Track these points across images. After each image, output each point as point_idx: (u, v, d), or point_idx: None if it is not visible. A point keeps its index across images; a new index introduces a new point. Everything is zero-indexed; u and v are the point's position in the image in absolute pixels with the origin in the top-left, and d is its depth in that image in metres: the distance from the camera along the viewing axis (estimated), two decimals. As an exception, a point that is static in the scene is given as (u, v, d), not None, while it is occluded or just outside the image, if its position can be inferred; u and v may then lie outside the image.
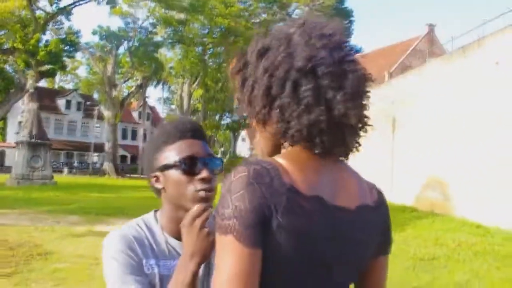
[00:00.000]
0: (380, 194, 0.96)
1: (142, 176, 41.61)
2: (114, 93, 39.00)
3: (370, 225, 0.93)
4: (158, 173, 1.31)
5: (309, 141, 0.85)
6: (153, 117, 60.71)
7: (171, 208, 1.31)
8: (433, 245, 8.64)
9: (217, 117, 48.94)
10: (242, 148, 67.37)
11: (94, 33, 38.32)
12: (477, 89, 12.08)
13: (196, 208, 1.11)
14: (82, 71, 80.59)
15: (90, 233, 9.47)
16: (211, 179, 1.26)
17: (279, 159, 0.87)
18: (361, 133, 0.90)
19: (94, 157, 50.94)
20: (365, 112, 0.89)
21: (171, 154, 1.28)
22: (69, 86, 59.87)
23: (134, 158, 55.45)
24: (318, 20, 0.92)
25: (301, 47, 0.85)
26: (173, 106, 65.32)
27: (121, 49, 40.72)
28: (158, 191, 1.33)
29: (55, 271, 6.32)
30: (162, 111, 67.20)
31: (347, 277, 0.92)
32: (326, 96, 0.84)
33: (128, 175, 40.30)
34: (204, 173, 1.25)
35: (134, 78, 44.72)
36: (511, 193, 10.70)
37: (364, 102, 0.89)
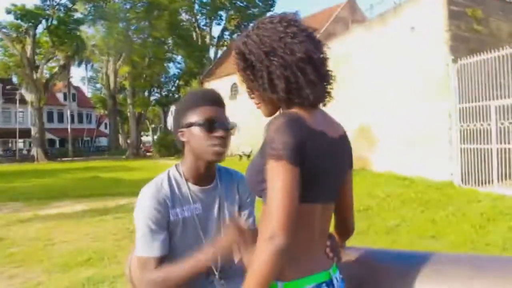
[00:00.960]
0: (343, 128, 1.44)
1: (74, 159, 40.54)
2: (36, 75, 37.07)
3: (346, 148, 1.43)
4: (184, 129, 1.66)
5: (307, 100, 1.30)
6: (79, 98, 58.49)
7: (192, 158, 1.67)
8: (366, 197, 9.41)
9: (146, 94, 47.95)
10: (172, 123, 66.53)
11: (8, 12, 35.87)
12: (396, 56, 13.00)
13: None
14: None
15: (37, 218, 9.40)
16: (225, 137, 1.63)
17: (295, 110, 1.29)
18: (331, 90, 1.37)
19: (20, 144, 48.47)
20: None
21: (196, 115, 1.63)
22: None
23: (62, 142, 53.32)
24: (290, 18, 1.34)
25: (296, 41, 1.27)
26: (98, 85, 63.20)
27: (39, 29, 38.43)
28: (182, 144, 1.70)
29: (11, 255, 6.36)
30: (87, 91, 64.83)
31: (339, 183, 1.40)
32: (321, 72, 1.30)
33: (59, 159, 38.94)
34: (219, 132, 1.62)
35: (56, 59, 42.67)
36: (431, 148, 11.80)
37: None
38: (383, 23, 13.60)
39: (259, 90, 1.34)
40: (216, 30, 49.82)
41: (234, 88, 30.77)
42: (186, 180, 1.68)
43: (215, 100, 1.70)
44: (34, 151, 38.45)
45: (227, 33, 48.86)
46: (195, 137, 1.64)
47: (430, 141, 11.81)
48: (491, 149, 9.94)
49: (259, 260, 1.15)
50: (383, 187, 10.93)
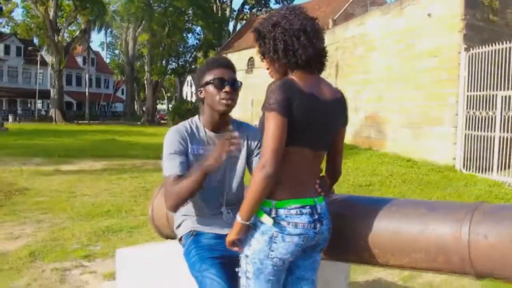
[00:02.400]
0: (341, 93, 1.89)
1: (91, 122, 41.29)
2: (57, 38, 37.54)
3: (339, 108, 1.87)
4: (202, 88, 2.13)
5: (305, 66, 1.75)
6: (98, 63, 59.03)
7: (208, 110, 2.13)
8: (370, 175, 9.84)
9: (163, 63, 48.24)
10: (188, 93, 66.79)
11: (32, -27, 36.15)
12: (410, 40, 13.22)
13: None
14: (17, 15, 75.73)
15: (58, 172, 10.05)
16: (232, 93, 2.09)
17: (291, 77, 1.76)
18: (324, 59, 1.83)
19: (38, 104, 49.41)
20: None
21: (209, 76, 2.09)
22: (4, 30, 56.14)
23: (80, 105, 54.15)
24: (296, 7, 1.82)
25: (295, 19, 1.75)
26: (116, 51, 63.63)
27: (62, -9, 38.79)
28: (201, 100, 2.17)
29: (37, 203, 6.96)
30: (106, 56, 65.31)
31: (330, 136, 1.85)
32: (313, 41, 1.76)
33: (76, 121, 39.73)
34: (227, 88, 2.06)
35: (77, 22, 43.06)
36: (436, 132, 12.15)
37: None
38: (401, 7, 13.77)
39: (266, 53, 1.82)
40: (236, 3, 50.03)
41: (250, 62, 30.99)
42: (204, 126, 2.17)
43: (225, 64, 2.15)
44: (52, 112, 39.24)
45: (247, 6, 48.77)
46: (209, 93, 2.09)
47: (436, 126, 12.15)
48: (494, 137, 10.28)
49: (253, 183, 1.64)
50: (387, 166, 11.35)
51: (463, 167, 10.98)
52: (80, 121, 39.98)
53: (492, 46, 10.42)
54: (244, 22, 45.14)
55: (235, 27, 47.16)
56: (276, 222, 1.71)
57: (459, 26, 11.46)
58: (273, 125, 1.63)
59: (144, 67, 47.64)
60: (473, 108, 10.90)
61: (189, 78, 64.54)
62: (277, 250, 1.71)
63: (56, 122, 37.13)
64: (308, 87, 1.73)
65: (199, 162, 1.95)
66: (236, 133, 1.93)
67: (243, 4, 48.22)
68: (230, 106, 2.09)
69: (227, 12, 47.19)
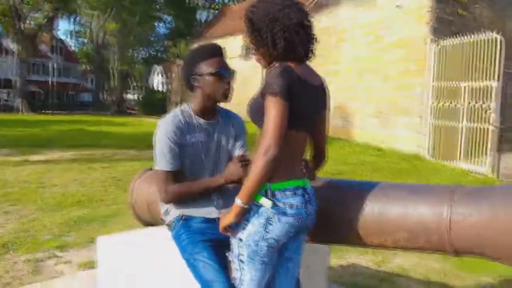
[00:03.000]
0: (323, 78, 1.95)
1: (58, 112, 40.27)
2: (23, 26, 36.43)
3: (324, 93, 1.95)
4: (197, 77, 2.15)
5: (301, 58, 1.81)
6: (65, 51, 57.58)
7: (202, 98, 2.17)
8: (341, 164, 9.96)
9: (133, 52, 47.50)
10: (158, 83, 65.76)
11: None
12: (380, 31, 13.43)
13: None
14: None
15: (27, 163, 9.81)
16: (231, 82, 2.17)
17: (289, 64, 1.77)
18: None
19: (4, 94, 47.82)
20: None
21: (208, 66, 2.13)
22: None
23: (46, 94, 52.78)
24: None
25: (293, 12, 1.77)
26: (84, 40, 62.14)
27: (27, -23, 37.53)
28: (192, 87, 2.20)
29: (6, 194, 6.79)
30: (73, 45, 63.72)
31: (316, 119, 1.92)
32: (311, 35, 1.82)
33: (43, 111, 38.77)
34: (229, 79, 2.15)
35: (43, 10, 41.83)
36: (404, 122, 12.43)
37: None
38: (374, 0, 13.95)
39: (264, 48, 1.83)
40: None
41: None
42: (195, 114, 2.20)
43: (222, 52, 2.21)
44: (18, 102, 38.12)
45: (219, -5, 48.34)
46: (208, 83, 2.13)
47: (404, 116, 12.43)
48: (460, 127, 10.59)
49: (256, 166, 1.65)
50: (358, 155, 11.55)
51: (431, 156, 11.28)
52: (47, 111, 39.02)
53: (459, 39, 10.71)
54: (216, 11, 44.79)
55: (206, 16, 46.73)
56: (273, 203, 1.75)
57: (427, 18, 11.71)
58: (276, 110, 1.67)
59: (112, 56, 46.74)
60: (439, 99, 11.20)
61: (159, 67, 63.63)
62: (272, 231, 1.76)
63: (23, 112, 36.11)
64: (303, 74, 1.80)
65: (221, 175, 2.11)
66: (247, 155, 2.13)
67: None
68: (231, 95, 2.17)
69: (199, 1, 46.68)
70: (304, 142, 1.90)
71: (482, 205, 1.72)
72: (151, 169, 3.06)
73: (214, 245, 2.01)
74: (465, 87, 10.55)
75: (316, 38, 1.87)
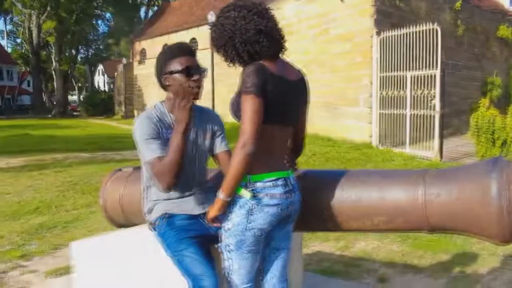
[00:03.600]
0: (303, 74, 2.05)
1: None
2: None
3: (302, 88, 2.04)
4: (167, 76, 2.19)
5: (268, 56, 1.89)
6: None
7: (173, 97, 2.18)
8: (295, 156, 10.24)
9: (73, 51, 45.97)
10: (100, 82, 64.24)
11: None
12: (325, 25, 13.77)
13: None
14: None
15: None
16: (200, 80, 2.20)
17: (262, 62, 1.86)
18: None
19: None
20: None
21: (177, 64, 2.17)
22: None
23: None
24: (242, 4, 1.91)
25: (249, 23, 1.85)
26: (18, 40, 59.54)
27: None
28: (165, 87, 2.25)
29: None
30: (6, 45, 60.84)
31: (297, 112, 2.02)
32: (272, 37, 1.90)
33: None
34: (196, 77, 2.18)
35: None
36: (353, 112, 12.86)
37: None
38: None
39: (232, 60, 1.94)
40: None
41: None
42: (169, 112, 2.24)
43: (190, 51, 2.24)
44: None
45: (159, -9, 47.58)
46: (177, 81, 2.17)
47: (352, 106, 12.86)
48: (406, 115, 11.10)
49: (235, 161, 1.76)
50: (309, 146, 11.71)
51: (379, 143, 11.75)
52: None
53: (400, 30, 11.19)
54: (155, 8, 44.12)
55: (146, 13, 45.94)
56: (254, 195, 1.85)
57: (371, 11, 12.14)
58: (251, 107, 1.76)
59: (51, 57, 45.01)
60: (385, 89, 11.67)
61: (100, 66, 62.09)
62: (255, 221, 1.86)
63: (-45, 118, 34.16)
64: (277, 70, 1.88)
65: (174, 130, 2.06)
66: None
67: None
68: (199, 94, 2.20)
69: (138, -2, 45.81)
70: (284, 137, 2.00)
71: (452, 185, 1.91)
72: (120, 169, 3.08)
73: (200, 240, 2.07)
74: (408, 76, 11.06)
75: (282, 35, 1.95)
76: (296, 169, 2.17)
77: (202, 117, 2.32)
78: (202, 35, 24.55)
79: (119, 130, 20.83)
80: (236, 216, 1.87)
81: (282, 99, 1.87)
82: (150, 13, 44.14)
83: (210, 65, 21.59)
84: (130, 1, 43.78)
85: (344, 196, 2.10)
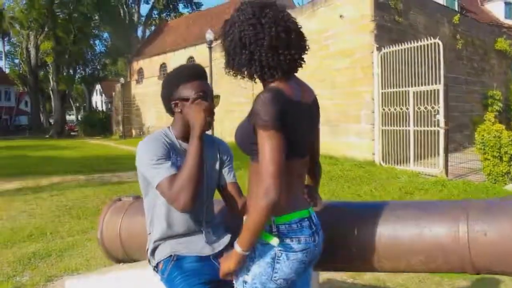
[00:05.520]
0: (314, 92, 1.79)
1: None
2: None
3: (316, 108, 1.79)
4: (177, 101, 1.96)
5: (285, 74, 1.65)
6: (-3, 74, 54.84)
7: (183, 124, 1.97)
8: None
9: (70, 71, 45.98)
10: (98, 102, 64.21)
11: None
12: (325, 41, 13.66)
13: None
14: None
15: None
16: (213, 108, 1.96)
17: (275, 84, 1.61)
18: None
19: None
20: None
21: (189, 90, 1.93)
22: None
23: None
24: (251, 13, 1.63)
25: (263, 32, 1.58)
26: (16, 61, 59.61)
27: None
28: (173, 112, 2.01)
29: None
30: (4, 66, 60.86)
31: (313, 138, 1.79)
32: (292, 48, 1.63)
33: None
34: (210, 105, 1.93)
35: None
36: (355, 129, 12.67)
37: None
38: (313, 10, 14.17)
39: (243, 75, 1.69)
40: (144, 8, 48.85)
41: (163, 68, 30.46)
42: (177, 138, 2.00)
43: (203, 75, 2.01)
44: None
45: (155, 11, 47.83)
46: (187, 109, 1.93)
47: (354, 123, 12.66)
48: (409, 131, 10.90)
49: (256, 211, 1.48)
50: (311, 165, 11.60)
51: (382, 160, 11.52)
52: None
53: (400, 45, 11.06)
54: (153, 27, 44.31)
55: (144, 33, 46.09)
56: (279, 240, 1.59)
57: (371, 27, 12.02)
58: (271, 145, 1.49)
59: (48, 77, 44.98)
60: (387, 105, 11.49)
61: (98, 86, 62.11)
62: (281, 270, 1.60)
63: (-48, 140, 33.90)
64: (293, 94, 1.62)
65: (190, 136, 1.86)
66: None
67: (151, 9, 47.23)
68: (212, 124, 1.96)
69: (135, 18, 45.97)
70: (304, 168, 1.75)
71: (501, 220, 1.67)
72: (119, 199, 2.84)
73: (213, 286, 1.83)
74: (410, 92, 10.89)
75: (303, 46, 1.68)
76: (319, 201, 1.91)
77: (212, 147, 2.09)
78: (199, 54, 24.47)
79: (116, 150, 20.59)
80: (258, 267, 1.60)
81: (301, 129, 1.63)
82: (148, 32, 44.37)
83: (210, 83, 21.46)
84: (127, 21, 43.92)
85: (376, 233, 1.85)
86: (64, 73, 43.98)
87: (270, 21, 1.59)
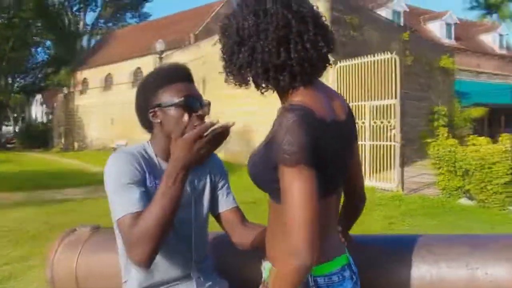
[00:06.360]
0: (347, 103, 1.42)
1: None
2: None
3: (353, 123, 1.40)
4: (156, 109, 1.52)
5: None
6: None
7: (165, 140, 1.53)
8: (252, 191, 9.69)
9: (8, 80, 43.74)
10: (38, 113, 61.44)
11: None
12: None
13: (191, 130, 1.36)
14: None
15: None
16: (205, 116, 1.54)
17: (299, 98, 1.22)
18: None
19: None
20: None
21: (171, 94, 1.51)
22: None
23: None
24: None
25: (270, 23, 1.21)
26: None
27: None
28: (151, 124, 1.56)
29: None
30: None
31: (349, 162, 1.37)
32: (309, 43, 1.24)
33: None
34: (201, 111, 1.52)
35: None
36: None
37: None
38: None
39: (245, 82, 1.32)
40: (90, 17, 47.01)
41: (109, 79, 29.48)
42: (157, 156, 1.57)
43: (188, 76, 1.60)
44: None
45: (102, 21, 46.51)
46: (172, 118, 1.51)
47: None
48: (365, 145, 10.87)
49: (283, 276, 1.10)
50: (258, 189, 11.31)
51: (338, 175, 11.43)
52: None
53: (356, 59, 11.08)
54: (98, 37, 43.06)
55: (89, 42, 44.61)
56: None
57: (326, 41, 12.00)
58: (301, 186, 1.10)
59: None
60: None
61: (38, 96, 59.48)
62: None
63: None
64: (325, 112, 1.22)
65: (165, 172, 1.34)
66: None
67: (97, 18, 45.82)
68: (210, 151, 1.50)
69: (80, 26, 44.41)
70: (338, 202, 1.38)
71: None
72: (74, 229, 2.38)
73: None
74: (367, 106, 10.89)
75: (328, 38, 1.28)
76: (351, 239, 1.53)
77: (203, 166, 1.62)
78: (147, 65, 23.82)
79: (59, 164, 19.43)
80: None
81: (336, 155, 1.25)
82: (93, 42, 43.04)
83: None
84: (72, 29, 42.37)
85: (419, 274, 1.52)
86: (2, 82, 41.75)
87: (277, 6, 1.21)
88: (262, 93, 1.34)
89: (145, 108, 1.56)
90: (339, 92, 10.01)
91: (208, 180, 1.66)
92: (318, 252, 1.09)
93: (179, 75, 1.56)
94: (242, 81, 1.31)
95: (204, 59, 17.12)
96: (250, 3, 1.25)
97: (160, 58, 16.68)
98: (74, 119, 30.73)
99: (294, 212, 1.10)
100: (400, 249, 1.61)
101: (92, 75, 29.92)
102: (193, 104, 1.52)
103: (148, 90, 1.56)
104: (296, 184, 1.11)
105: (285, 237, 1.12)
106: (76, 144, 30.42)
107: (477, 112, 18.91)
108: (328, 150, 1.19)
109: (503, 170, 8.25)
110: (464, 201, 9.00)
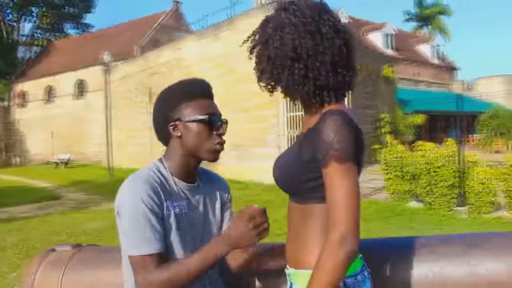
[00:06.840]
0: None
1: None
2: None
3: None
4: (177, 123, 1.50)
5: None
6: None
7: (183, 154, 1.51)
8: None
9: None
10: None
11: None
12: (230, 64, 13.63)
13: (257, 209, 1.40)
14: None
15: None
16: (224, 134, 1.54)
17: (335, 107, 1.31)
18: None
19: None
20: None
21: (194, 109, 1.50)
22: None
23: None
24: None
25: (327, 40, 1.30)
26: None
27: None
28: (167, 138, 1.55)
29: None
30: None
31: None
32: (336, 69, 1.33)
33: None
34: (222, 130, 1.51)
35: None
36: (262, 153, 12.68)
37: None
38: (216, 33, 14.13)
39: (293, 96, 1.42)
40: (27, 27, 44.87)
41: (51, 91, 28.51)
42: (172, 175, 1.52)
43: (210, 92, 1.59)
44: None
45: (39, 31, 44.72)
46: (193, 133, 1.50)
47: (261, 147, 12.68)
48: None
49: (331, 263, 1.14)
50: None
51: (293, 184, 11.61)
52: None
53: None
54: (37, 48, 41.45)
55: (25, 53, 42.74)
56: None
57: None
58: (350, 181, 1.20)
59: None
60: (293, 128, 11.66)
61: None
62: None
63: None
64: (354, 118, 1.32)
65: (223, 236, 1.38)
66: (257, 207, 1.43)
67: (35, 28, 44.04)
68: (220, 153, 1.57)
69: (15, 37, 42.44)
70: None
71: None
72: (53, 249, 2.29)
73: None
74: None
75: (351, 66, 1.37)
76: None
77: (212, 185, 1.64)
78: (92, 76, 23.25)
79: (0, 181, 18.54)
80: None
81: (362, 154, 1.34)
82: (30, 53, 41.38)
83: (104, 107, 20.42)
84: (9, 39, 40.51)
85: (420, 274, 1.57)
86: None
87: (331, 31, 1.29)
88: (295, 104, 1.46)
89: (165, 120, 1.54)
90: (290, 101, 10.41)
91: (218, 197, 1.65)
92: (359, 237, 1.18)
93: (204, 91, 1.57)
94: (288, 96, 1.42)
95: (152, 71, 16.96)
96: (304, 19, 1.30)
97: (107, 70, 16.30)
98: (14, 133, 29.45)
99: (342, 205, 1.18)
100: (405, 249, 1.66)
101: (32, 87, 28.85)
102: (216, 122, 1.53)
103: (170, 103, 1.54)
104: (346, 180, 1.20)
105: (330, 229, 1.18)
106: (17, 159, 29.14)
107: (420, 118, 19.82)
108: (360, 151, 1.29)
109: (448, 173, 8.70)
110: (413, 204, 9.40)
